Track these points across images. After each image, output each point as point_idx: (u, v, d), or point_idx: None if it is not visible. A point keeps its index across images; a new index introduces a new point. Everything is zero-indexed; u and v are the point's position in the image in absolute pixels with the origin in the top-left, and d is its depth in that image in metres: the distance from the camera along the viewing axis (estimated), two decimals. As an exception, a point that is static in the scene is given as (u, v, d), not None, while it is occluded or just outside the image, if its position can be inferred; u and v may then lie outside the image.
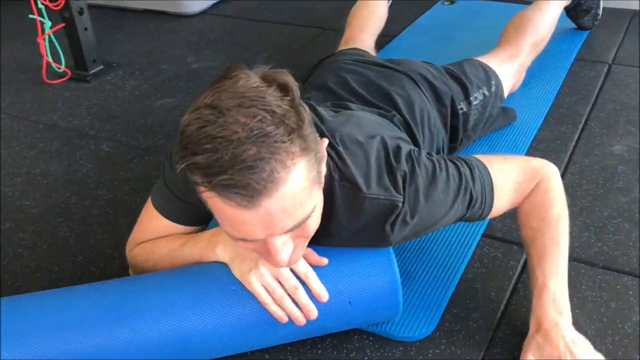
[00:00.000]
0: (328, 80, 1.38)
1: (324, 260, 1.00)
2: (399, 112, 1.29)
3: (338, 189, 0.98)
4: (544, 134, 1.67)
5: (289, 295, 0.98)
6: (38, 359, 0.93)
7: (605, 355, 1.03)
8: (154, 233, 1.13)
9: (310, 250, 1.00)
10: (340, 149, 0.99)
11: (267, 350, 1.09)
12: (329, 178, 0.96)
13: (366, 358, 1.08)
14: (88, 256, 1.35)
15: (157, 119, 1.88)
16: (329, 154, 0.95)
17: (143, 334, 0.96)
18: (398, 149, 1.03)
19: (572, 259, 1.24)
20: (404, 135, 1.20)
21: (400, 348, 1.10)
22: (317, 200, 0.87)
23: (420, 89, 1.39)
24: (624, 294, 1.18)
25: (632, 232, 1.32)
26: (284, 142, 0.77)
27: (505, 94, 1.66)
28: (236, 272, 0.99)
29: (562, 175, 1.51)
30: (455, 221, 1.10)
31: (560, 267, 1.06)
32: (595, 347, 1.02)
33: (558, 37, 2.07)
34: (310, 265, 1.00)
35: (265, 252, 0.88)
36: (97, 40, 2.17)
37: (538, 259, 1.08)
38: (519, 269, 1.25)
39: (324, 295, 0.99)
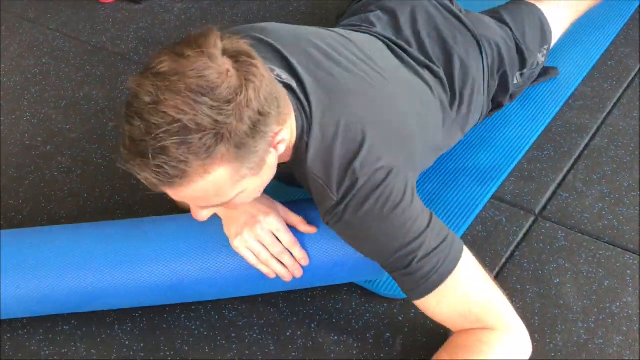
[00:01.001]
0: (398, 9, 1.30)
1: (313, 229, 1.04)
2: (450, 77, 1.24)
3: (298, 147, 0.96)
4: (583, 90, 1.60)
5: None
6: (43, 291, 1.04)
7: (585, 333, 1.05)
8: None
9: (300, 219, 1.04)
10: (323, 117, 0.95)
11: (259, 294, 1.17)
12: (299, 138, 0.95)
13: (350, 310, 1.14)
14: (115, 185, 1.45)
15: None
16: (310, 117, 0.95)
17: (140, 278, 1.05)
18: (373, 155, 0.93)
19: (577, 229, 1.24)
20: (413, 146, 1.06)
21: (385, 304, 1.15)
22: (246, 187, 0.87)
23: (482, 60, 1.31)
24: (621, 273, 1.17)
25: (648, 208, 1.29)
26: (203, 153, 0.77)
27: (555, 42, 1.56)
28: (226, 232, 1.04)
29: (592, 137, 1.46)
30: (380, 263, 0.99)
31: None
32: (578, 324, 1.03)
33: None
34: (300, 232, 1.04)
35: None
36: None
37: None
38: (520, 236, 1.25)
39: (304, 261, 1.03)
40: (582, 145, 1.45)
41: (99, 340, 1.12)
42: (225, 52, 0.80)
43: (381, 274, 1.09)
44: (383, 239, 0.94)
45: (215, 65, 0.78)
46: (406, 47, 1.23)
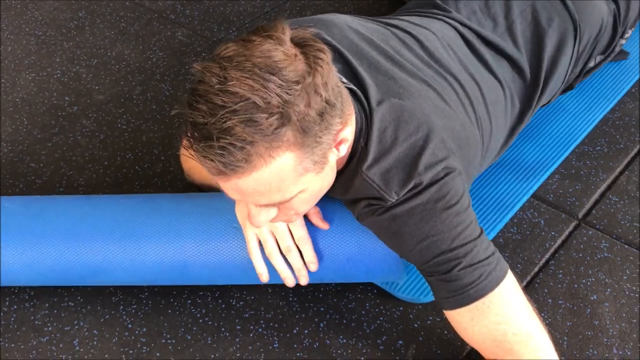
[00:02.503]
0: None
1: (325, 226, 0.97)
2: (536, 66, 1.13)
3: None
4: (652, 78, 1.44)
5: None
6: (47, 261, 1.02)
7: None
8: None
9: (316, 209, 0.97)
10: (379, 119, 0.89)
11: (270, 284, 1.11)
12: (356, 141, 0.89)
13: (363, 312, 1.07)
14: (136, 154, 1.40)
15: (237, 8, 1.83)
16: (370, 119, 0.88)
17: (144, 255, 1.01)
18: (436, 157, 0.88)
19: (623, 240, 1.12)
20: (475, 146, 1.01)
21: (401, 308, 1.07)
22: (307, 185, 0.82)
23: (573, 47, 1.19)
24: (668, 295, 1.05)
25: None
26: (270, 134, 0.73)
27: None
28: (237, 213, 0.99)
29: (653, 135, 1.32)
30: (419, 264, 0.91)
31: None
32: (612, 350, 0.94)
33: None
34: (313, 225, 0.97)
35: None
36: None
37: None
38: (559, 242, 1.15)
39: (312, 265, 0.96)
40: (641, 143, 1.31)
41: (102, 320, 1.09)
42: (292, 40, 0.77)
43: (398, 276, 1.02)
44: (430, 237, 0.87)
45: (283, 49, 0.75)
46: (487, 33, 1.13)
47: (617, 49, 1.34)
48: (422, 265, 0.90)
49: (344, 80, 0.90)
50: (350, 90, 0.89)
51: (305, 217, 0.98)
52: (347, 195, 0.93)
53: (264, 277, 0.98)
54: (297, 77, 0.73)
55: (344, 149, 0.85)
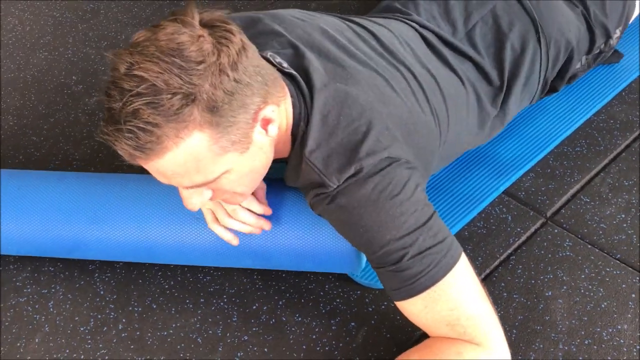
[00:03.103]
0: None
1: (267, 211, 0.99)
2: (498, 68, 1.15)
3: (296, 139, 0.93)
4: (643, 82, 1.44)
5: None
6: (27, 235, 1.09)
7: (563, 356, 0.97)
8: None
9: (263, 185, 1.00)
10: (320, 105, 0.91)
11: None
12: (292, 131, 0.92)
13: (322, 292, 1.11)
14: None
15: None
16: (311, 103, 0.91)
17: (115, 236, 1.07)
18: (379, 145, 0.89)
19: (587, 240, 1.14)
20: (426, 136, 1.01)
21: (358, 292, 1.10)
22: (232, 165, 0.84)
23: (540, 51, 1.19)
24: (624, 296, 1.06)
25: (677, 226, 1.15)
26: (173, 114, 0.76)
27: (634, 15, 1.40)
28: None
29: (636, 138, 1.32)
30: (368, 255, 0.92)
31: None
32: (558, 345, 0.96)
33: None
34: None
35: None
36: None
37: None
38: (523, 238, 1.16)
39: (266, 211, 0.99)
40: (622, 146, 1.30)
41: (77, 286, 1.16)
42: (202, 22, 0.80)
43: (353, 268, 1.05)
44: (375, 227, 0.88)
45: (188, 30, 0.78)
46: (446, 36, 1.14)
47: (608, 49, 1.34)
48: (371, 256, 0.91)
49: (284, 65, 0.92)
50: (290, 75, 0.92)
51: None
52: (298, 182, 0.95)
53: (234, 241, 1.01)
54: (200, 57, 0.76)
55: (273, 130, 0.86)
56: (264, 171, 0.91)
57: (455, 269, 0.89)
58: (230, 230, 1.00)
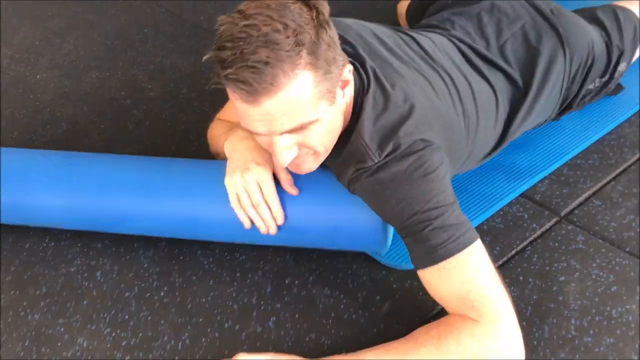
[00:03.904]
0: (484, 11, 1.35)
1: (294, 192, 1.09)
2: (529, 79, 1.27)
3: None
4: (650, 110, 1.55)
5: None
6: (79, 206, 1.20)
7: (575, 330, 1.03)
8: (227, 115, 1.30)
9: (289, 178, 1.10)
10: (377, 91, 1.03)
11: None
12: (351, 109, 1.04)
13: (350, 272, 1.19)
14: (174, 138, 1.59)
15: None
16: (367, 86, 1.03)
17: (162, 208, 1.17)
18: (417, 129, 1.01)
19: (599, 236, 1.21)
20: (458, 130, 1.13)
21: (384, 271, 1.19)
22: (322, 115, 0.94)
23: (565, 64, 1.32)
24: (632, 282, 1.13)
25: (683, 226, 1.23)
26: (290, 52, 0.87)
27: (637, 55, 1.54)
28: (226, 180, 1.11)
29: (644, 156, 1.42)
30: (396, 226, 1.02)
31: None
32: (570, 321, 1.05)
33: None
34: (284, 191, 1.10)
35: (271, 150, 1.00)
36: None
37: (393, 348, 0.97)
38: (538, 233, 1.25)
39: (279, 219, 1.09)
40: (631, 161, 1.40)
41: (122, 260, 1.25)
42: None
43: (381, 245, 1.13)
44: (406, 199, 0.98)
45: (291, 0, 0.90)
46: (480, 49, 1.27)
47: (616, 76, 1.46)
48: (399, 225, 1.01)
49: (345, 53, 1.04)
50: (350, 62, 1.03)
51: (278, 185, 1.10)
52: (340, 157, 1.05)
53: (246, 223, 1.10)
54: (306, 14, 0.89)
55: (348, 93, 0.99)
56: (337, 136, 1.02)
57: (471, 247, 0.98)
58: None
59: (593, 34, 1.38)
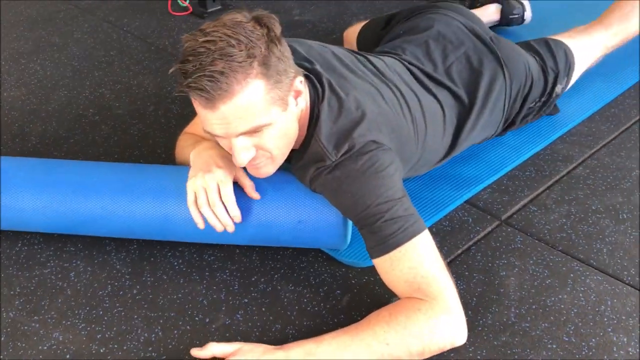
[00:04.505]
0: (431, 38, 1.49)
1: (257, 196, 1.19)
2: (472, 96, 1.41)
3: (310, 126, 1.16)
4: (580, 129, 1.71)
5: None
6: (54, 209, 1.26)
7: (514, 317, 1.15)
8: (194, 129, 1.39)
9: (251, 184, 1.19)
10: (332, 101, 1.15)
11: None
12: (309, 116, 1.15)
13: (312, 269, 1.29)
14: (142, 152, 1.67)
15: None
16: (322, 96, 1.15)
17: (133, 208, 1.25)
18: (368, 131, 1.13)
19: (535, 237, 1.35)
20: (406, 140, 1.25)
21: (343, 269, 1.29)
22: (275, 119, 1.06)
23: (505, 83, 1.47)
24: (564, 276, 1.26)
25: (608, 228, 1.38)
26: (243, 63, 0.99)
27: (574, 80, 1.70)
28: (188, 183, 1.20)
29: (575, 167, 1.57)
30: (352, 218, 1.14)
31: (351, 354, 1.03)
32: (511, 309, 1.16)
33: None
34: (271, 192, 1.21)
35: (231, 152, 1.09)
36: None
37: (350, 330, 1.06)
38: (482, 234, 1.37)
39: (236, 218, 1.17)
40: (564, 172, 1.55)
41: (95, 261, 1.32)
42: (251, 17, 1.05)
43: (341, 241, 1.24)
44: (360, 193, 1.10)
45: (242, 16, 1.04)
46: (429, 71, 1.42)
47: (554, 97, 1.63)
48: (355, 217, 1.13)
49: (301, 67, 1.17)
50: (305, 75, 1.16)
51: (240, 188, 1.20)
52: (302, 161, 1.17)
53: (200, 224, 1.18)
54: (257, 31, 1.02)
55: (302, 102, 1.11)
56: (292, 141, 1.13)
57: (419, 237, 1.09)
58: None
59: (529, 59, 1.54)
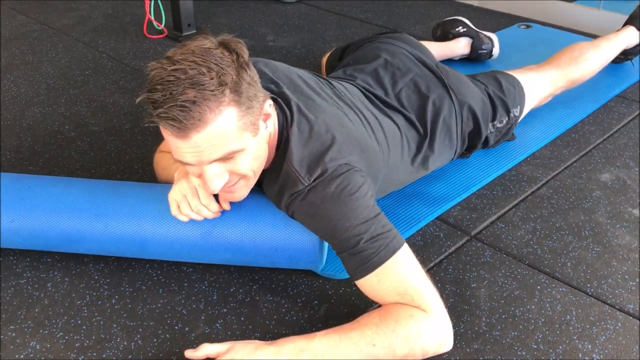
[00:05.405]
0: (381, 68, 1.56)
1: (227, 207, 1.21)
2: (422, 119, 1.48)
3: (280, 149, 1.18)
4: (544, 152, 1.80)
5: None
6: (34, 228, 1.25)
7: (485, 326, 1.19)
8: (169, 147, 1.40)
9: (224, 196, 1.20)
10: (301, 123, 1.18)
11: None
12: (278, 139, 1.18)
13: (290, 281, 1.31)
14: (119, 167, 1.68)
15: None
16: (291, 120, 1.17)
17: (112, 230, 1.25)
18: (340, 154, 1.15)
19: (503, 251, 1.40)
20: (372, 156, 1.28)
21: (321, 281, 1.32)
22: (248, 144, 1.07)
23: (454, 106, 1.54)
24: (532, 288, 1.32)
25: (571, 244, 1.44)
26: (215, 91, 0.99)
27: (527, 110, 1.79)
28: (170, 194, 1.22)
29: (539, 187, 1.64)
30: (331, 242, 1.15)
31: (340, 352, 1.05)
32: (482, 318, 1.19)
33: (611, 70, 2.17)
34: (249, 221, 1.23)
35: (202, 179, 1.11)
36: (197, 8, 2.52)
37: (341, 330, 1.08)
38: (453, 249, 1.42)
39: (217, 214, 1.20)
40: (529, 192, 1.63)
41: (73, 272, 1.32)
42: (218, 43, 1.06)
43: (317, 263, 1.26)
44: (337, 217, 1.12)
45: (209, 42, 1.04)
46: (381, 95, 1.48)
47: (512, 122, 1.70)
48: (334, 242, 1.14)
49: (269, 90, 1.20)
50: (273, 99, 1.19)
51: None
52: (275, 185, 1.18)
53: (185, 219, 1.21)
54: (226, 57, 1.02)
55: (271, 125, 1.13)
56: (263, 163, 1.15)
57: (400, 251, 1.13)
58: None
59: (475, 87, 1.63)
